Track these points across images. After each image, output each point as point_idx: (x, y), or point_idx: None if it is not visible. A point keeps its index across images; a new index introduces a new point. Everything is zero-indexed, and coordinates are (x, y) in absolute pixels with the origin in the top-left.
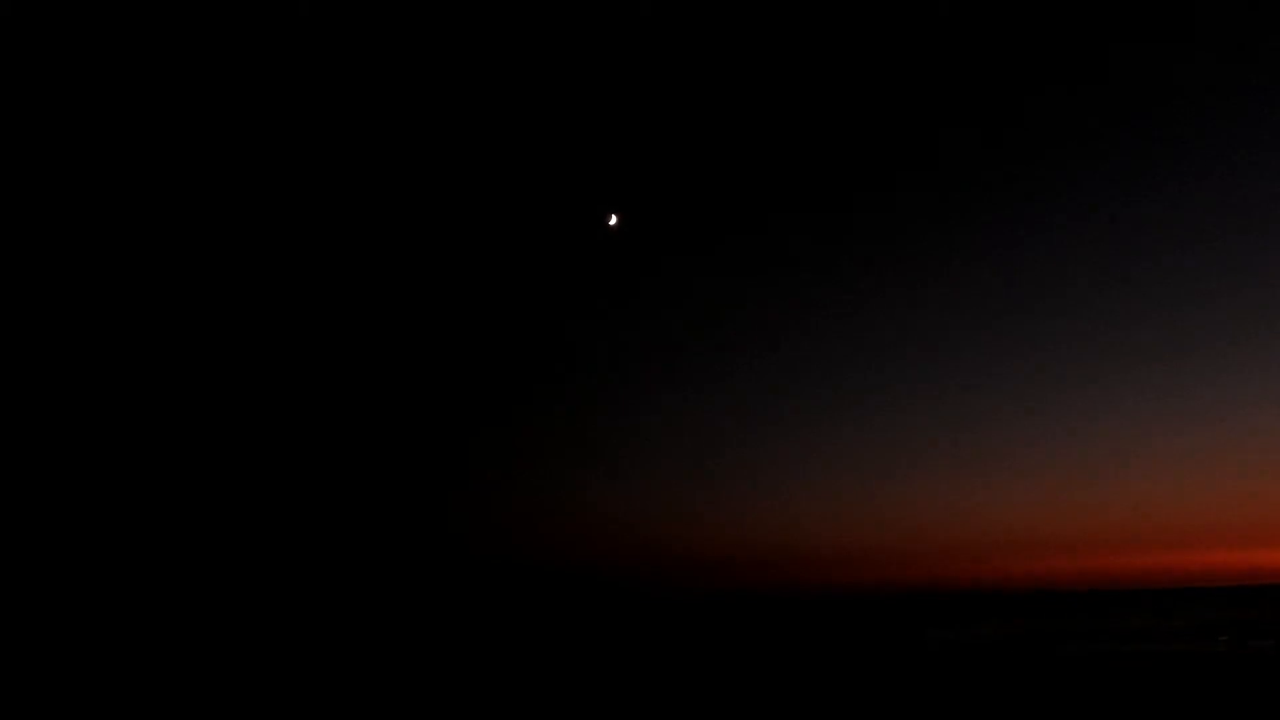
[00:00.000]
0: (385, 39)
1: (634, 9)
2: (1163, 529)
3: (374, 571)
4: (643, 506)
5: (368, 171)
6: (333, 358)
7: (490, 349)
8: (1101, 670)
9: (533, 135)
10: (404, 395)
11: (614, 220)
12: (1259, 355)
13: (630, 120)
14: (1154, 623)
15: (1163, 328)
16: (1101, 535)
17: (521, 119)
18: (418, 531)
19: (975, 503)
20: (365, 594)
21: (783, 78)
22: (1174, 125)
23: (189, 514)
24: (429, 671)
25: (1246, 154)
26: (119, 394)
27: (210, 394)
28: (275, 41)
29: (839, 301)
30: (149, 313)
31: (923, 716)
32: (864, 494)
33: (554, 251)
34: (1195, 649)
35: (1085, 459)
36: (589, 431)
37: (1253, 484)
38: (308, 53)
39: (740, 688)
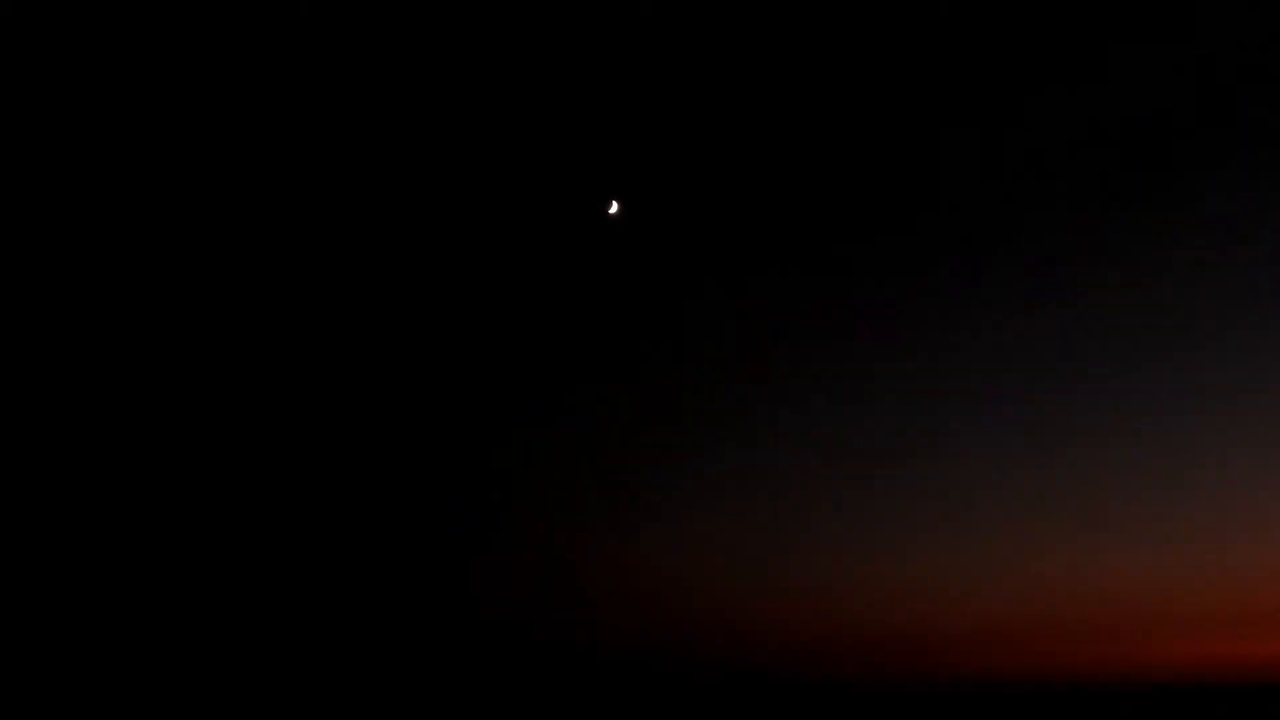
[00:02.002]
0: (382, 28)
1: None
2: None
3: (378, 638)
4: (701, 568)
5: (372, 177)
6: (344, 386)
7: (521, 381)
8: None
9: (558, 161)
10: (414, 428)
11: (615, 208)
12: None
13: (641, 137)
14: None
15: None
16: (1238, 612)
17: (534, 132)
18: (423, 597)
19: (1098, 574)
20: (371, 664)
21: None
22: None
23: (196, 540)
24: None
25: None
26: (118, 395)
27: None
28: (272, 29)
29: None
30: (149, 314)
31: None
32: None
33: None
34: None
35: (1214, 519)
36: (636, 477)
37: None
38: (302, 41)
39: None
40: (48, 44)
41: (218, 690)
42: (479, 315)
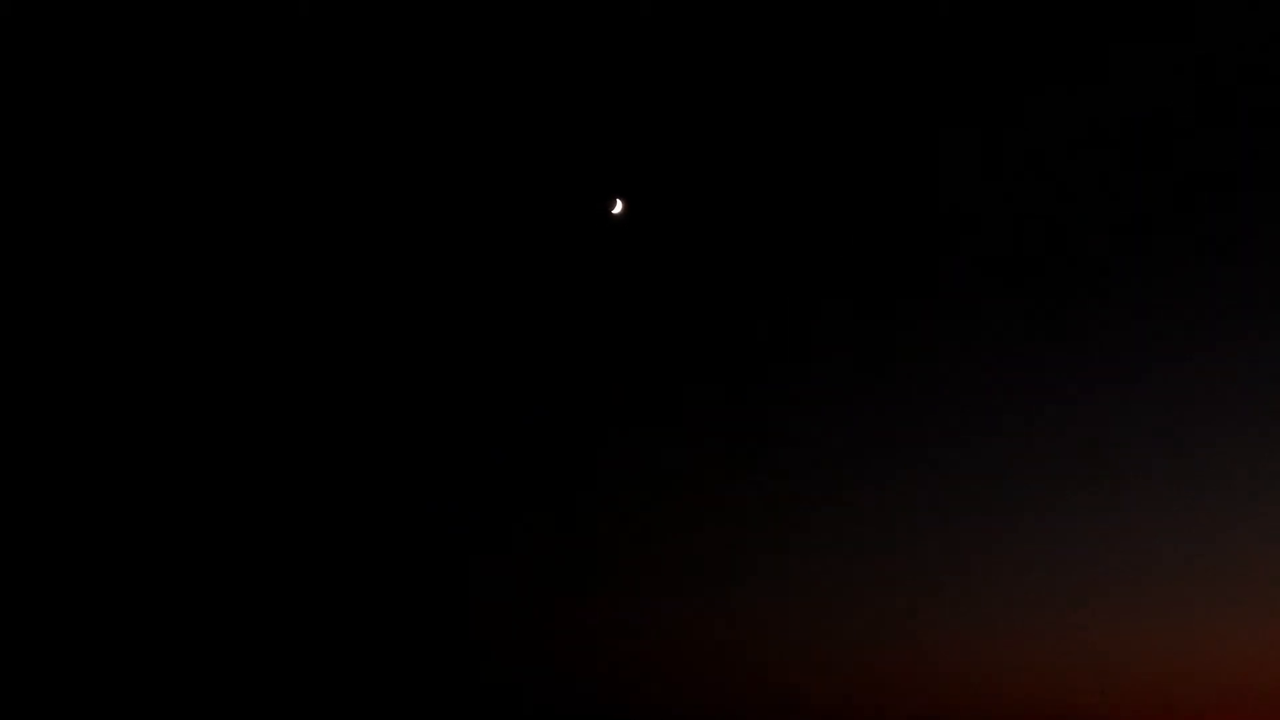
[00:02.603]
0: (382, 28)
1: None
2: None
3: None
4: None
5: (372, 177)
6: (339, 393)
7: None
8: None
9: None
10: (436, 472)
11: (619, 207)
12: None
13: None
14: None
15: None
16: None
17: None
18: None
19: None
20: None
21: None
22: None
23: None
24: None
25: None
26: (117, 394)
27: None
28: (272, 28)
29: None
30: (149, 314)
31: None
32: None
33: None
34: None
35: None
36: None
37: None
38: (302, 41)
39: None
40: (48, 44)
41: (214, 691)
42: (478, 318)
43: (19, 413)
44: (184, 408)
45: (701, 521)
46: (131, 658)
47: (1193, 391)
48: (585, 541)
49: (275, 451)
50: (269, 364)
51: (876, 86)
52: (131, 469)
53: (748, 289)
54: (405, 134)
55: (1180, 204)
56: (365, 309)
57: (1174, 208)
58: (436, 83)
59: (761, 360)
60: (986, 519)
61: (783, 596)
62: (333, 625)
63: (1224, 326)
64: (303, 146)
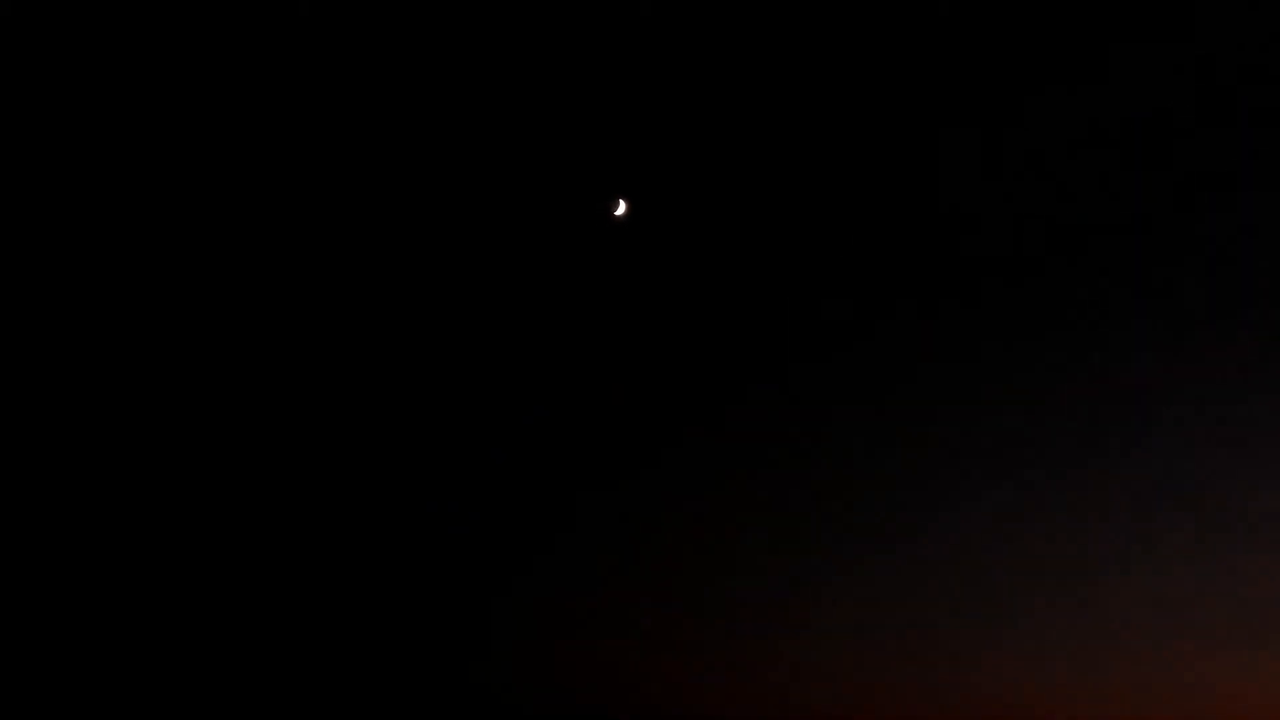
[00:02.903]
0: (382, 27)
1: None
2: None
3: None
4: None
5: (372, 178)
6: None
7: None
8: None
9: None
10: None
11: (621, 208)
12: None
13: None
14: None
15: None
16: None
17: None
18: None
19: None
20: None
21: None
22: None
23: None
24: None
25: None
26: (118, 395)
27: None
28: (272, 28)
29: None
30: (149, 314)
31: None
32: None
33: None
34: None
35: None
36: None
37: None
38: (302, 41)
39: None
40: (48, 44)
41: (212, 691)
42: (479, 319)
43: (19, 413)
44: (184, 408)
45: (702, 521)
46: (133, 658)
47: (1193, 391)
48: (585, 541)
49: (276, 451)
50: (271, 364)
51: (876, 86)
52: (133, 470)
53: (748, 290)
54: (406, 135)
55: (1180, 204)
56: (367, 310)
57: (1174, 208)
58: (437, 83)
59: (761, 360)
60: (987, 519)
61: (783, 596)
62: (332, 625)
63: (1224, 327)
64: (303, 147)
